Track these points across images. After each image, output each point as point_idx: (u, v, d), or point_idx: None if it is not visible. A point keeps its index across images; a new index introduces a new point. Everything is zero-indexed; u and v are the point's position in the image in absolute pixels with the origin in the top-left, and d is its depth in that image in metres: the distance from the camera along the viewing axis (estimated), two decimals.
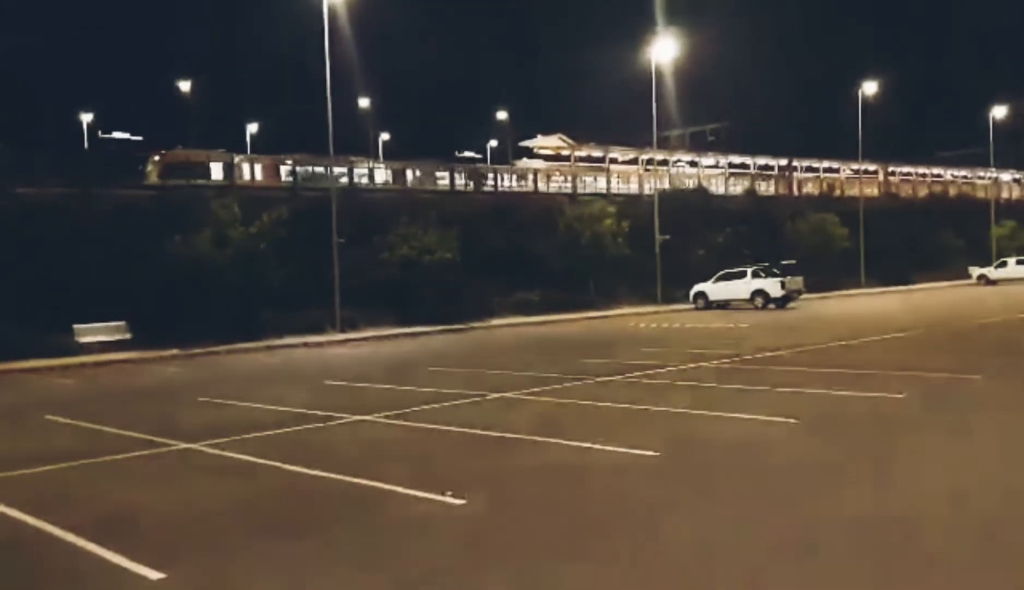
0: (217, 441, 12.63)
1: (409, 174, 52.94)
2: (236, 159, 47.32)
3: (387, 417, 14.04)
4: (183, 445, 12.57)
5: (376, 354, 26.89)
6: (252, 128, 68.34)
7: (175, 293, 29.22)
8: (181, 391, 19.66)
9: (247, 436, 12.96)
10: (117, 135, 62.97)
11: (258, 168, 47.50)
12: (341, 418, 14.17)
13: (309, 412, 14.81)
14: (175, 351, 27.77)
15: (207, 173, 45.22)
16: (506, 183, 57.07)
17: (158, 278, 29.49)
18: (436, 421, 13.46)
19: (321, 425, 13.75)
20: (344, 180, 47.39)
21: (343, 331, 32.66)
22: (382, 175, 52.43)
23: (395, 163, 55.35)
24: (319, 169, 46.97)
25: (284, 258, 31.60)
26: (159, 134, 62.46)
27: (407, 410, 14.57)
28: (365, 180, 50.90)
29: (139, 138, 62.63)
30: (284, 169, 47.27)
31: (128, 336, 28.47)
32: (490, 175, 57.63)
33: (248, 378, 22.13)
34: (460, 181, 54.78)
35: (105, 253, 30.52)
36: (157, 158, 45.11)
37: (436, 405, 15.01)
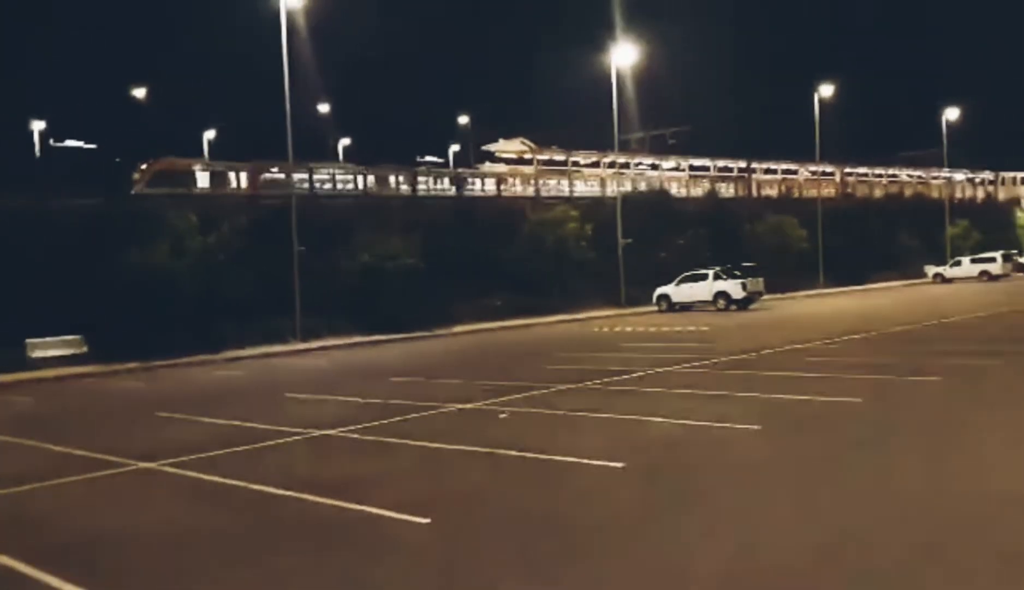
0: (177, 459, 12.40)
1: (371, 179, 52.64)
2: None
3: (350, 431, 13.89)
4: (142, 464, 12.34)
5: (338, 364, 26.67)
6: (209, 135, 67.45)
7: (133, 306, 28.72)
8: (140, 407, 19.32)
9: (208, 454, 12.75)
10: (70, 143, 61.94)
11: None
12: (303, 433, 14.01)
13: (271, 428, 14.61)
14: (134, 365, 27.32)
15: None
16: (469, 186, 56.96)
17: (115, 291, 28.97)
18: (400, 435, 13.34)
19: (284, 441, 13.57)
20: (304, 186, 46.98)
21: (305, 340, 32.35)
22: (344, 180, 52.05)
23: (356, 168, 54.98)
24: (280, 175, 46.53)
25: (244, 267, 31.23)
26: (113, 142, 61.48)
27: (370, 424, 14.43)
28: (327, 186, 50.51)
29: (93, 146, 61.58)
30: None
31: (84, 350, 27.99)
32: (469, 179, 57.53)
33: (208, 392, 21.83)
34: (423, 185, 54.57)
35: (59, 265, 29.92)
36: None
37: (399, 418, 14.89)
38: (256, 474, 11.17)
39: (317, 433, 13.94)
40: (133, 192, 40.46)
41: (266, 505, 9.90)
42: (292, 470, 11.61)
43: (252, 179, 46.35)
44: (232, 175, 46.63)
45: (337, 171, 53.10)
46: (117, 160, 44.50)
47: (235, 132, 70.42)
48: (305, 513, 9.40)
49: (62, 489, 11.34)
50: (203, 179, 45.30)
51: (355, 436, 13.57)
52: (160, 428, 15.96)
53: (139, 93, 57.77)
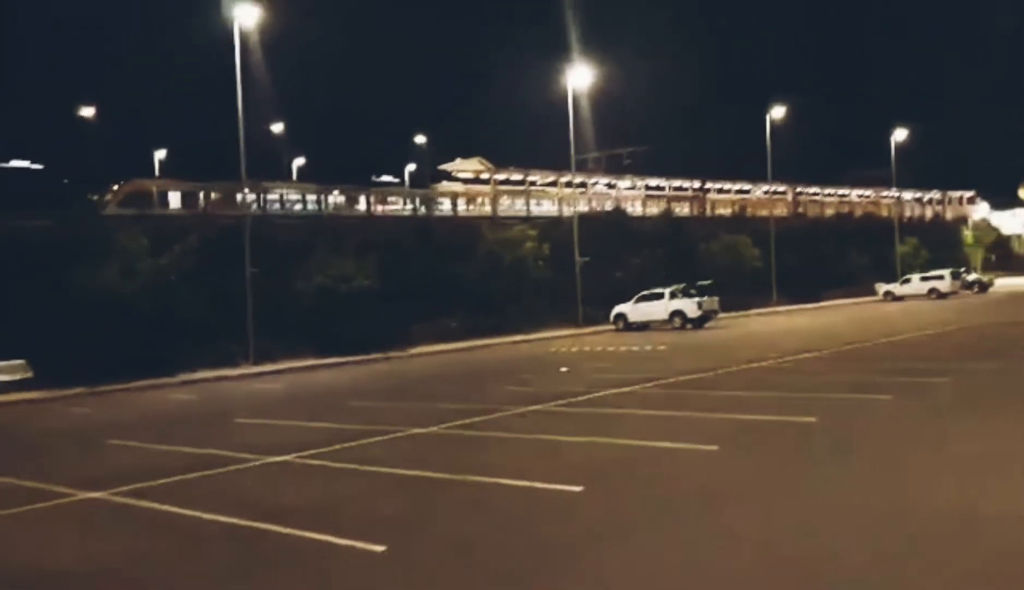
0: (126, 488, 12.09)
1: (328, 199, 52.40)
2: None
3: (304, 457, 13.66)
4: (88, 494, 12.00)
5: (293, 388, 26.32)
6: (160, 154, 66.58)
7: (82, 329, 28.13)
8: (87, 433, 18.87)
9: (157, 482, 12.44)
10: (15, 164, 60.57)
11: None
12: (257, 460, 13.74)
13: (224, 454, 14.32)
14: (82, 390, 26.73)
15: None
16: (415, 206, 56.91)
17: (63, 313, 28.35)
18: (354, 460, 13.15)
19: (236, 467, 13.30)
20: (255, 207, 46.56)
21: (259, 363, 31.92)
22: (297, 200, 51.71)
23: (311, 187, 54.65)
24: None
25: (196, 289, 30.78)
26: (60, 163, 60.39)
27: (325, 449, 14.21)
28: (279, 206, 50.12)
29: (39, 167, 60.36)
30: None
31: (29, 375, 27.32)
32: (439, 198, 57.52)
33: (159, 417, 21.39)
34: (387, 205, 54.48)
35: (4, 289, 29.20)
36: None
37: (352, 443, 14.68)
38: (207, 503, 10.91)
39: (271, 459, 13.68)
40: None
41: (217, 535, 9.66)
42: (244, 498, 11.37)
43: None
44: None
45: (292, 191, 52.81)
46: (65, 181, 43.67)
47: (186, 151, 69.72)
48: (257, 542, 9.18)
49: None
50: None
51: (310, 462, 13.34)
52: (108, 456, 15.58)
53: (87, 113, 56.72)
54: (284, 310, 34.64)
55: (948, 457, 11.24)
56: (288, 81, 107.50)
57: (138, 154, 66.78)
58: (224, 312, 32.35)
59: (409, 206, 56.27)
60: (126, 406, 24.13)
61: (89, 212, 37.10)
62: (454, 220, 55.50)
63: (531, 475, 11.17)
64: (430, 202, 57.32)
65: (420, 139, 79.50)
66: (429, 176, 69.62)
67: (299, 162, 76.46)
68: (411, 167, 79.54)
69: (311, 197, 52.35)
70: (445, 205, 58.24)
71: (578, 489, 10.38)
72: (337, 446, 14.39)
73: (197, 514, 10.42)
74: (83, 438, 18.20)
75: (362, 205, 54.08)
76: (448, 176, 66.22)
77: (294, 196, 51.97)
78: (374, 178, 72.33)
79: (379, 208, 54.99)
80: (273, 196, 50.22)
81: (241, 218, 35.27)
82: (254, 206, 46.11)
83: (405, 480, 11.76)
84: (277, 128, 72.47)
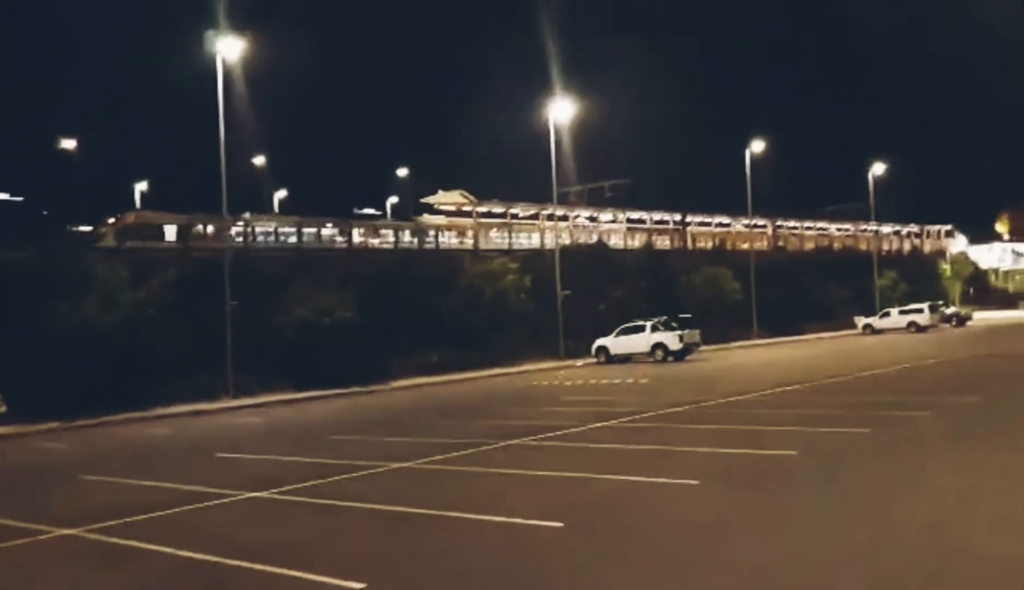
0: (101, 525, 11.90)
1: (309, 231, 52.39)
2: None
3: (284, 492, 13.52)
4: (63, 531, 11.81)
5: (273, 422, 26.10)
6: (142, 186, 66.32)
7: (59, 362, 27.84)
8: (63, 468, 18.63)
9: (134, 518, 12.27)
10: None
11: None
12: (234, 495, 13.58)
13: (202, 489, 14.15)
14: (58, 424, 26.40)
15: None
16: (407, 239, 56.96)
17: (40, 346, 28.05)
18: (333, 496, 13.02)
19: (214, 503, 13.14)
20: (239, 239, 46.47)
21: (237, 397, 31.64)
22: (276, 231, 51.72)
23: (293, 220, 54.64)
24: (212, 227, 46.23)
25: (175, 322, 30.55)
26: (40, 195, 60.17)
27: (305, 484, 14.07)
28: (261, 239, 50.03)
29: (20, 199, 60.04)
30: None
31: (3, 409, 26.96)
32: (430, 231, 57.79)
33: (136, 452, 21.14)
34: (359, 237, 54.44)
35: None
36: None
37: (332, 478, 14.55)
38: (182, 539, 10.76)
39: (250, 495, 13.53)
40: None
41: (194, 572, 9.53)
42: (220, 534, 11.23)
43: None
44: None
45: (273, 225, 52.84)
46: (45, 213, 43.45)
47: (168, 184, 69.56)
48: (231, 579, 9.06)
49: None
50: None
51: (289, 497, 13.21)
52: (84, 492, 15.36)
53: (69, 145, 56.50)
54: (265, 343, 34.42)
55: (928, 492, 11.27)
56: (270, 114, 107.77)
57: (119, 186, 66.54)
58: (203, 345, 32.09)
59: (407, 238, 56.43)
60: (103, 441, 23.84)
61: (68, 244, 36.89)
62: (436, 253, 55.52)
63: (512, 511, 11.10)
64: (422, 234, 57.52)
65: (402, 172, 79.66)
66: (412, 208, 69.70)
67: (281, 194, 76.43)
68: (393, 199, 79.62)
69: (291, 229, 52.31)
70: (428, 237, 58.36)
71: (559, 525, 10.32)
72: (316, 481, 14.25)
73: (172, 551, 10.27)
74: (58, 473, 17.94)
75: (356, 237, 54.37)
76: (430, 209, 66.31)
77: (288, 229, 52.01)
78: (356, 210, 72.25)
79: (374, 241, 55.20)
80: (259, 228, 50.25)
81: (222, 251, 35.12)
82: (239, 238, 46.08)
83: (384, 516, 11.65)
84: (259, 160, 72.45)
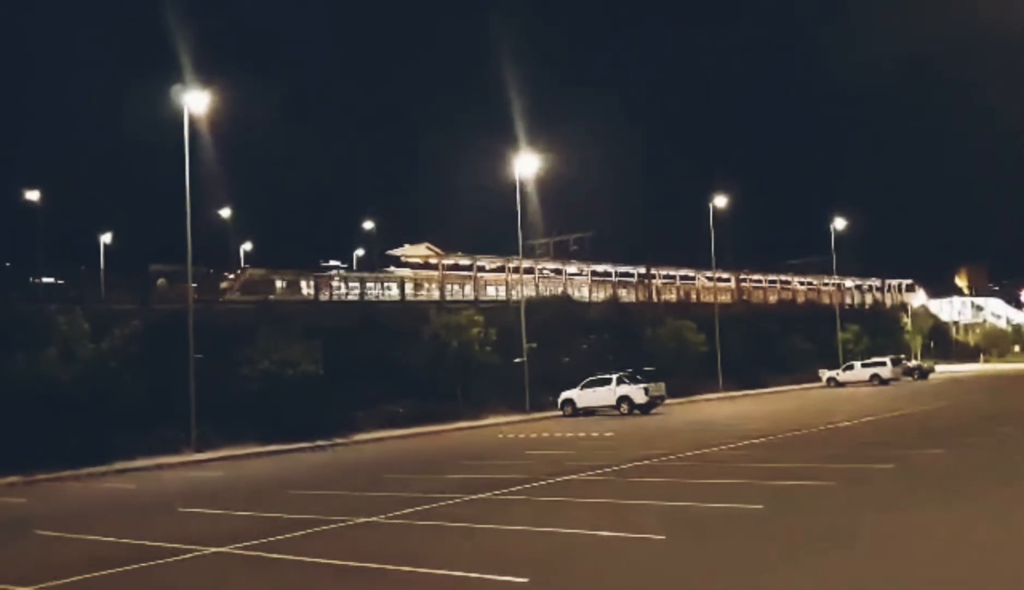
0: (55, 583, 11.63)
1: (279, 283, 52.40)
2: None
3: (245, 548, 13.30)
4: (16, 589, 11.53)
5: (235, 476, 25.71)
6: (106, 238, 65.71)
7: (16, 415, 27.31)
8: (19, 524, 18.17)
9: (89, 575, 12.01)
10: None
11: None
12: (195, 551, 13.33)
13: (160, 545, 13.88)
14: (17, 479, 25.82)
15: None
16: (373, 290, 56.89)
17: None
18: (297, 552, 12.84)
19: (173, 559, 12.89)
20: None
21: (201, 450, 31.13)
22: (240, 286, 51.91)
23: (258, 272, 54.43)
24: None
25: (137, 374, 30.12)
26: (2, 246, 59.44)
27: (263, 540, 13.85)
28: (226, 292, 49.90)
29: None
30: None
31: None
32: (385, 282, 58.28)
33: (95, 507, 20.71)
34: (324, 293, 54.31)
35: None
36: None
37: (296, 533, 14.35)
38: None
39: (208, 550, 13.29)
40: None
41: None
42: None
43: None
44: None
45: (229, 281, 53.14)
46: (7, 265, 42.86)
47: (133, 236, 69.04)
48: None
49: None
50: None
51: (248, 553, 12.99)
52: (40, 548, 15.01)
53: (32, 196, 55.92)
54: (228, 396, 33.96)
55: (894, 545, 11.35)
56: (236, 166, 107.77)
57: (83, 238, 65.82)
58: (166, 397, 31.64)
59: (372, 290, 56.89)
60: (62, 496, 23.34)
61: (29, 296, 36.36)
62: (402, 304, 55.37)
63: (476, 566, 11.02)
64: (387, 286, 57.77)
65: (369, 224, 79.72)
66: (378, 261, 69.65)
67: (247, 246, 76.11)
68: (359, 252, 79.55)
69: (256, 281, 52.33)
70: (393, 289, 58.31)
71: (524, 581, 10.25)
72: (278, 536, 14.04)
73: None
74: (16, 529, 17.51)
75: (342, 289, 55.16)
76: (397, 261, 66.30)
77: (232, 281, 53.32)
78: (322, 262, 72.02)
79: (340, 292, 55.49)
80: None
81: (184, 306, 34.68)
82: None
83: (345, 571, 11.50)
84: (225, 213, 72.16)
